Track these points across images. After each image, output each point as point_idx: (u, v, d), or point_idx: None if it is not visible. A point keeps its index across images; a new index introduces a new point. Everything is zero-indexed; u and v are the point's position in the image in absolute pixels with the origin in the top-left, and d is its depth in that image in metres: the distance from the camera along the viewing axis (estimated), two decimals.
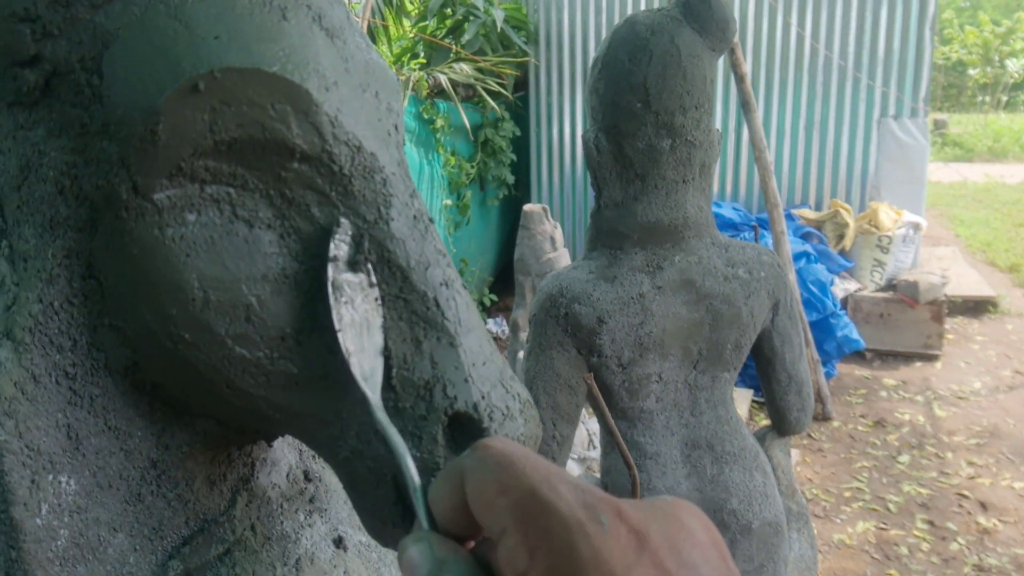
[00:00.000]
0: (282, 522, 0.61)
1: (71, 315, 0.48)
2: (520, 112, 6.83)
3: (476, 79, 5.91)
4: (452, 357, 0.48)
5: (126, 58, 0.44)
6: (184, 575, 0.53)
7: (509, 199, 6.91)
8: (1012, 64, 18.22)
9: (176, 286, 0.46)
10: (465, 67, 5.87)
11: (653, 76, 1.47)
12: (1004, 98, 19.71)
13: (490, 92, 6.00)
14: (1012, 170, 14.26)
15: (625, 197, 1.55)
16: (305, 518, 0.63)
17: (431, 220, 0.51)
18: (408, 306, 0.48)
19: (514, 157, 6.70)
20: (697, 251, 1.58)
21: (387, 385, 0.48)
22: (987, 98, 19.54)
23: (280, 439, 0.64)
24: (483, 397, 0.47)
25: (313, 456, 0.68)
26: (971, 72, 18.99)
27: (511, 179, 6.69)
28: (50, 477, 0.47)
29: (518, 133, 6.69)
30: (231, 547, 0.56)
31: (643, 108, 1.48)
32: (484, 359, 0.49)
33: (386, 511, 0.48)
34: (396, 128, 0.53)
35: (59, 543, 0.47)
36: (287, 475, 0.64)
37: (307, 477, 0.65)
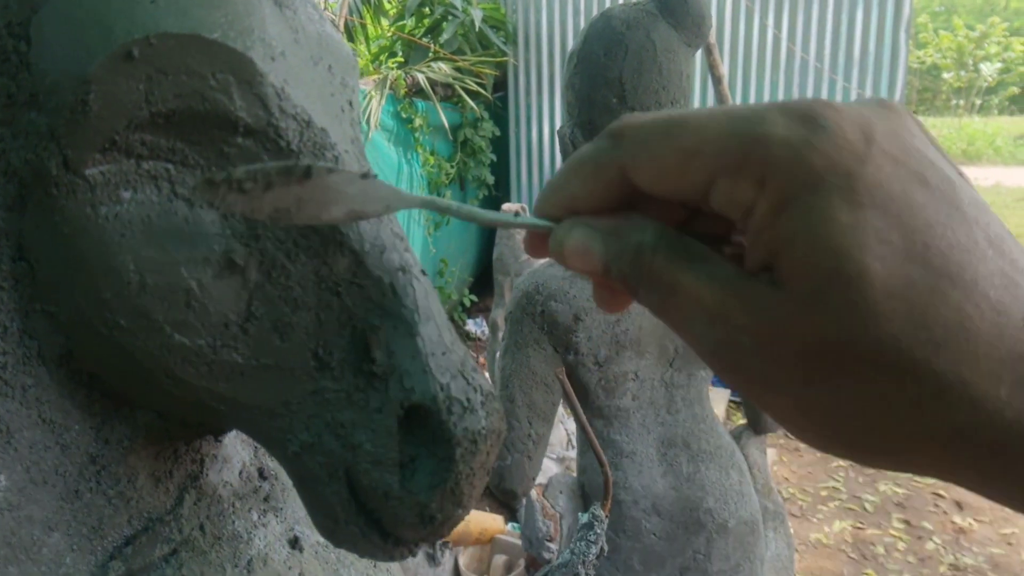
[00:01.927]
0: (233, 521, 0.58)
1: (0, 300, 0.45)
2: (500, 112, 6.81)
3: (455, 79, 5.87)
4: (409, 346, 0.45)
5: (55, 23, 0.41)
6: None
7: (489, 199, 6.88)
8: (986, 68, 18.45)
9: (110, 268, 0.43)
10: (444, 66, 5.84)
11: (629, 71, 1.45)
12: (978, 102, 19.95)
13: (469, 92, 5.96)
14: (986, 173, 14.41)
15: None
16: (259, 517, 0.60)
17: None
18: (363, 292, 0.46)
19: (494, 157, 6.67)
20: None
21: (340, 375, 0.45)
22: (961, 102, 19.77)
23: (233, 434, 0.61)
24: (442, 389, 0.45)
25: (268, 453, 0.65)
26: (945, 76, 19.21)
27: (491, 179, 6.66)
28: None
29: (498, 133, 6.66)
30: (178, 547, 0.53)
31: (619, 103, 1.46)
32: (444, 348, 0.46)
33: (339, 508, 0.45)
34: (351, 104, 0.50)
35: None
36: (240, 472, 0.60)
37: (262, 475, 0.62)
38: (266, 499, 0.61)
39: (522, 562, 2.83)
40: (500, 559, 2.98)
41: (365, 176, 0.33)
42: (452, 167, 6.24)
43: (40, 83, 0.41)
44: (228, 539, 0.57)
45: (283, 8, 0.47)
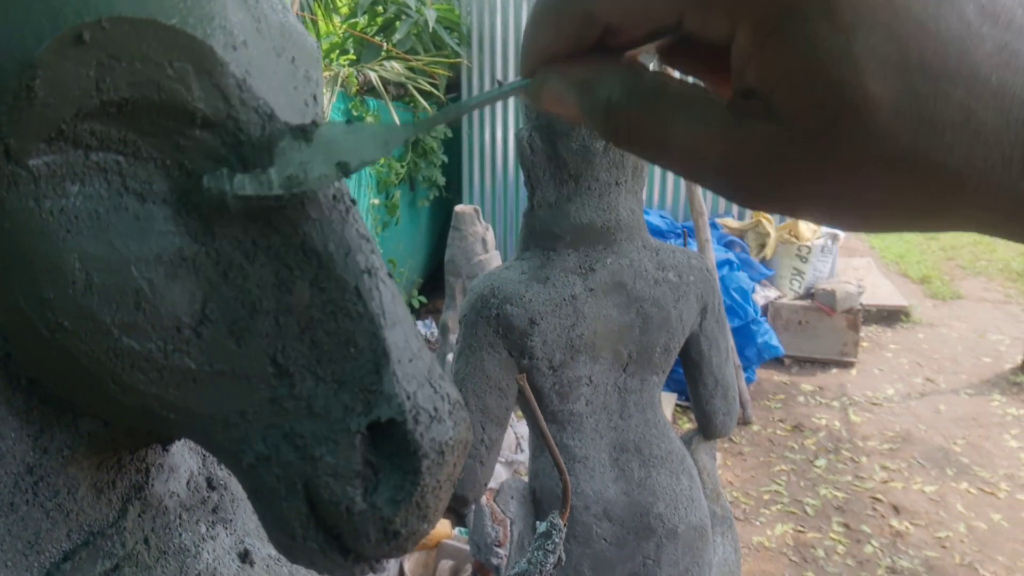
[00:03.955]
0: (180, 534, 0.55)
1: None
2: None
3: (408, 78, 5.82)
4: (375, 353, 0.43)
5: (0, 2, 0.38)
6: None
7: (440, 200, 6.84)
8: None
9: (54, 266, 0.40)
10: (396, 66, 5.78)
11: None
12: None
13: (422, 92, 5.92)
14: None
15: (558, 198, 1.53)
16: (207, 530, 0.57)
17: (354, 201, 0.46)
18: (325, 295, 0.43)
19: (445, 158, 6.64)
20: (629, 254, 1.56)
21: (300, 383, 0.43)
22: None
23: (181, 442, 0.58)
24: (408, 397, 0.43)
25: (218, 462, 0.62)
26: None
27: (442, 180, 6.62)
28: None
29: (450, 135, 6.63)
30: (120, 562, 0.50)
31: None
32: (411, 355, 0.44)
33: (296, 523, 0.43)
34: (315, 98, 0.48)
35: None
36: (187, 483, 0.57)
37: (210, 485, 0.59)
38: (215, 510, 0.58)
39: (469, 567, 2.81)
40: (446, 564, 2.95)
41: (349, 121, 0.32)
42: (403, 167, 6.19)
43: None
44: (174, 553, 0.53)
45: None
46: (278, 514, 0.43)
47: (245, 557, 0.58)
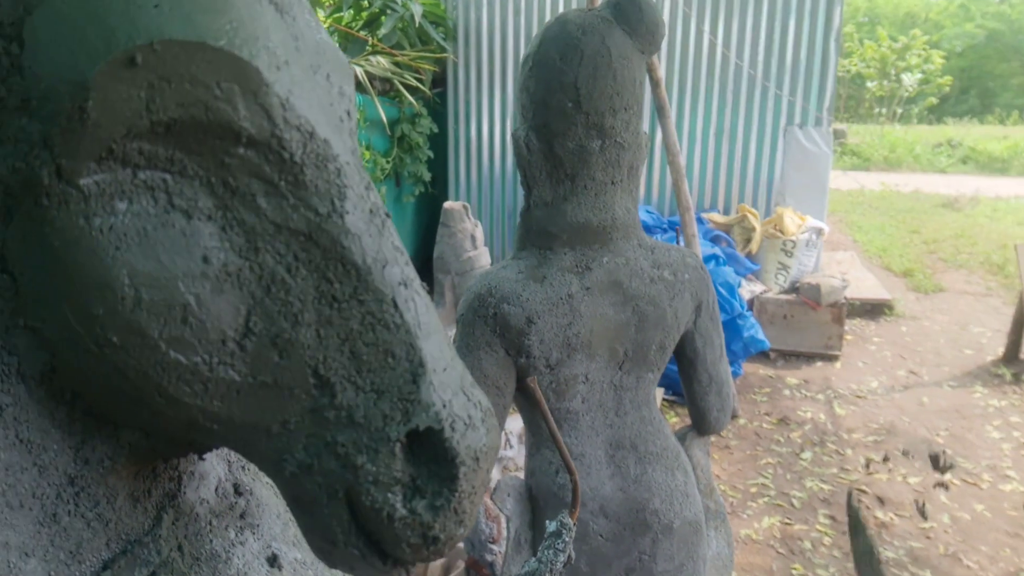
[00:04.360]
0: (211, 540, 0.56)
1: None
2: (438, 109, 6.77)
3: (393, 73, 5.81)
4: (412, 364, 0.44)
5: (52, 25, 0.39)
6: None
7: (425, 196, 6.84)
8: (907, 78, 19.18)
9: (103, 283, 0.40)
10: (382, 60, 5.77)
11: (584, 76, 1.45)
12: (899, 110, 20.72)
13: (408, 87, 5.91)
14: (906, 179, 14.98)
15: (555, 197, 1.54)
16: (236, 535, 0.58)
17: (388, 215, 0.47)
18: (364, 307, 0.44)
19: (431, 154, 6.63)
20: (624, 252, 1.58)
21: (341, 393, 0.44)
22: (883, 110, 20.52)
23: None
24: (445, 406, 0.44)
25: (243, 467, 0.62)
26: (869, 85, 19.91)
27: (428, 176, 6.61)
28: None
29: (436, 130, 6.62)
30: (156, 569, 0.51)
31: (574, 108, 1.46)
32: (445, 364, 0.45)
33: (337, 530, 0.44)
34: (349, 114, 0.49)
35: None
36: (216, 489, 0.58)
37: (237, 491, 0.60)
38: (242, 516, 0.59)
39: (461, 564, 2.82)
40: (437, 562, 2.96)
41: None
42: (388, 162, 6.18)
43: (33, 88, 0.39)
44: (207, 559, 0.54)
45: (284, 14, 0.45)
46: (320, 521, 0.44)
47: (273, 561, 0.59)
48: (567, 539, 0.88)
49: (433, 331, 0.46)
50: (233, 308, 0.43)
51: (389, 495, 0.43)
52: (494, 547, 2.40)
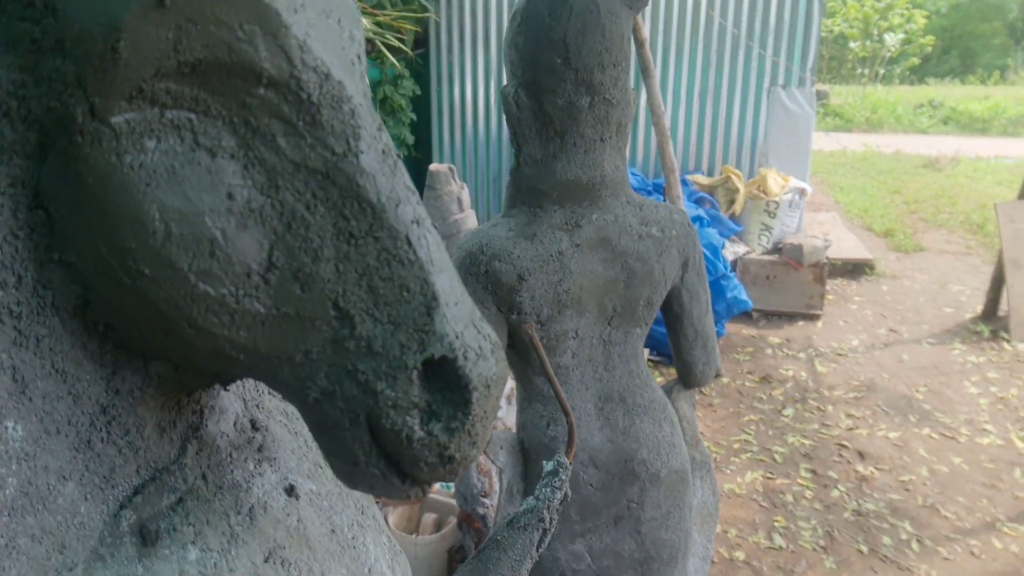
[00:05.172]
0: (232, 471, 0.59)
1: (15, 249, 0.44)
2: (421, 70, 6.71)
3: (375, 34, 5.75)
4: (426, 297, 0.47)
5: None
6: (137, 525, 0.51)
7: (409, 160, 6.81)
8: (889, 39, 19.15)
9: (135, 217, 0.43)
10: (364, 21, 5.70)
11: (573, 32, 1.46)
12: (881, 71, 20.72)
13: (390, 48, 5.85)
14: (887, 140, 15.05)
15: (544, 154, 1.55)
16: (255, 467, 0.61)
17: (399, 156, 0.50)
18: (379, 244, 0.47)
19: (414, 116, 6.59)
20: (613, 209, 1.60)
21: (360, 324, 0.46)
22: (866, 71, 20.51)
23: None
24: (457, 337, 0.47)
25: (258, 405, 0.65)
26: (852, 45, 19.87)
27: (411, 139, 6.58)
28: None
29: (418, 92, 6.57)
30: (183, 496, 0.54)
31: (563, 64, 1.48)
32: (456, 299, 0.48)
33: (359, 452, 0.47)
34: (359, 58, 0.51)
35: (6, 492, 0.44)
36: (235, 424, 0.61)
37: (254, 426, 0.63)
38: (260, 449, 0.62)
39: (453, 520, 2.88)
40: (429, 517, 3.02)
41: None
42: None
43: (67, 29, 0.41)
44: (229, 488, 0.57)
45: None
46: (342, 444, 0.47)
47: (291, 492, 0.62)
48: (564, 477, 0.92)
49: (445, 267, 0.48)
50: (257, 243, 0.46)
51: (408, 418, 0.46)
52: (486, 500, 2.45)
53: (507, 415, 3.47)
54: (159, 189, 0.43)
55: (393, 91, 6.34)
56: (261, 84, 0.45)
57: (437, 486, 3.21)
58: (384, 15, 5.94)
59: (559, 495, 0.90)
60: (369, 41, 5.83)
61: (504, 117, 1.58)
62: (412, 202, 0.48)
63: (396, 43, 5.88)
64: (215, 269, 0.45)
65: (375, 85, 6.17)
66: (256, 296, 0.46)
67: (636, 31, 4.40)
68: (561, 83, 1.48)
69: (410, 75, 6.44)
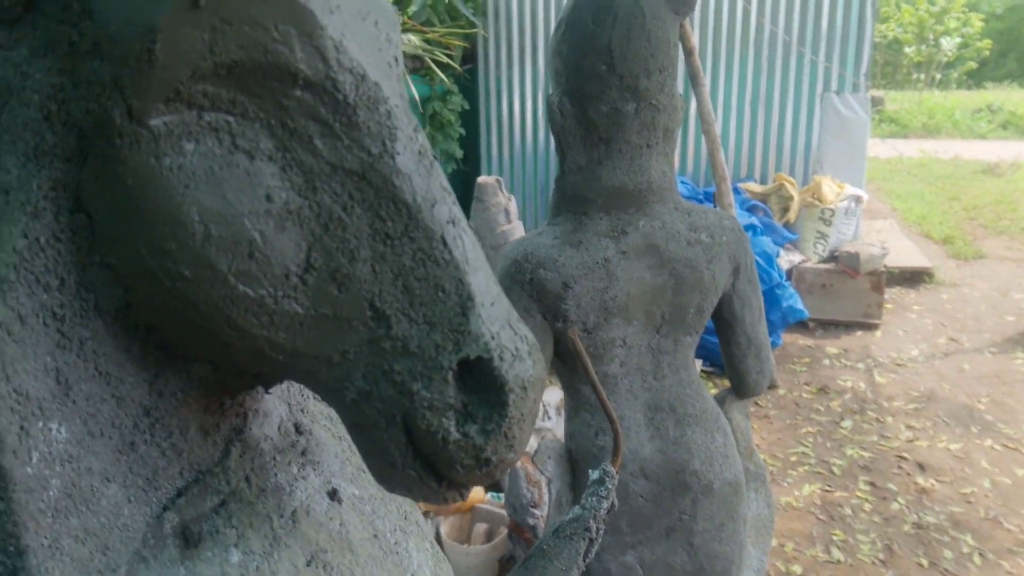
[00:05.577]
0: (275, 474, 0.59)
1: (58, 252, 0.45)
2: (469, 85, 6.75)
3: (424, 51, 5.82)
4: (462, 297, 0.46)
5: None
6: (180, 527, 0.51)
7: (458, 173, 6.85)
8: (945, 43, 18.69)
9: (175, 219, 0.43)
10: (412, 38, 5.77)
11: (618, 38, 1.46)
12: (937, 76, 20.21)
13: (438, 64, 5.91)
14: (945, 146, 14.65)
15: (589, 161, 1.54)
16: (298, 471, 0.61)
17: (435, 157, 0.49)
18: (415, 244, 0.47)
19: (463, 131, 6.63)
20: (661, 216, 1.58)
21: (396, 325, 0.46)
22: (921, 76, 20.02)
23: (271, 390, 0.62)
24: (493, 337, 0.46)
25: (302, 410, 0.66)
26: (907, 50, 19.42)
27: (460, 153, 6.62)
28: (40, 424, 0.44)
29: (467, 107, 6.61)
30: (226, 499, 0.54)
31: (607, 71, 1.47)
32: (492, 299, 0.48)
33: (395, 453, 0.47)
34: (396, 60, 0.51)
35: (51, 493, 0.44)
36: (279, 427, 0.61)
37: (298, 430, 0.63)
38: (303, 453, 0.62)
39: (503, 530, 2.87)
40: (481, 527, 3.02)
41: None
42: None
43: (103, 32, 0.41)
44: (272, 491, 0.58)
45: None
46: (379, 445, 0.47)
47: (334, 496, 0.62)
48: (610, 486, 0.90)
49: (480, 267, 0.48)
50: (295, 244, 0.46)
51: (443, 419, 0.45)
52: (536, 511, 2.44)
53: (556, 426, 3.46)
54: (198, 191, 0.44)
55: (442, 106, 6.39)
56: (297, 86, 0.45)
57: (487, 496, 3.21)
58: (432, 32, 6.00)
59: (605, 504, 0.89)
60: (418, 58, 5.90)
61: (550, 127, 1.58)
62: (448, 202, 0.48)
63: (445, 59, 5.93)
64: (254, 270, 0.45)
65: (424, 101, 6.23)
66: (295, 297, 0.46)
67: (685, 40, 4.36)
68: (606, 89, 1.47)
69: (459, 90, 6.49)
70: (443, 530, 3.03)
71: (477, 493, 3.16)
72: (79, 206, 0.45)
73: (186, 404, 0.52)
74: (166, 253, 0.44)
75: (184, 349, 0.50)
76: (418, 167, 0.47)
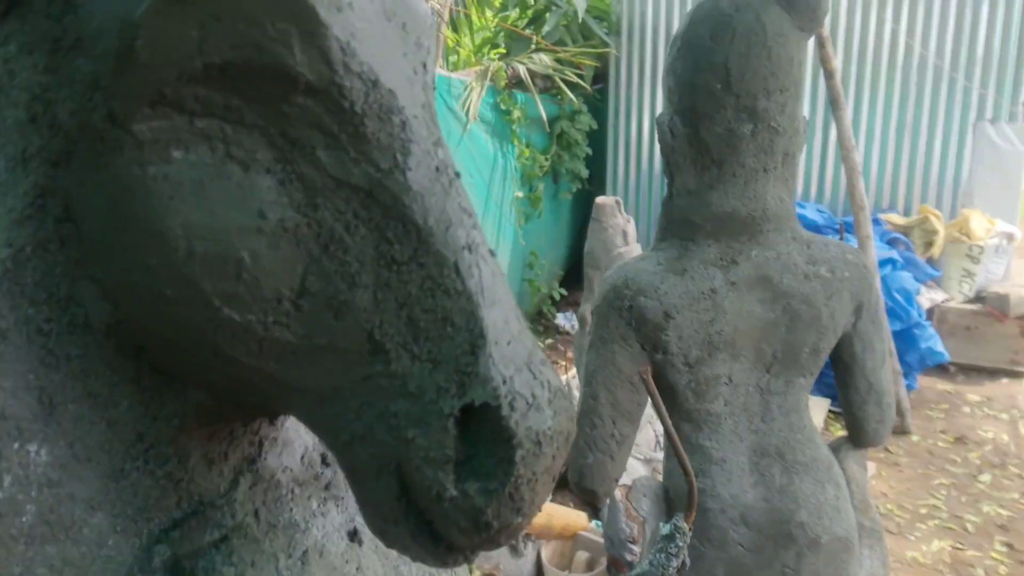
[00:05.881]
0: (291, 509, 0.55)
1: (45, 263, 0.42)
2: (598, 105, 6.71)
3: (555, 70, 5.82)
4: (471, 333, 0.41)
5: None
6: (171, 561, 0.48)
7: (582, 193, 6.80)
8: None
9: (157, 232, 0.40)
10: (544, 58, 5.79)
11: (735, 55, 1.37)
12: None
13: (568, 84, 5.90)
14: None
15: (699, 185, 1.46)
16: (319, 506, 0.56)
17: (458, 174, 0.44)
18: (423, 271, 0.41)
19: (589, 151, 6.59)
20: (776, 246, 1.48)
21: (395, 360, 0.41)
22: None
23: (294, 418, 0.58)
24: (504, 382, 0.40)
25: None
26: None
27: (585, 173, 6.58)
28: (16, 445, 0.41)
29: (595, 126, 6.57)
30: (229, 533, 0.50)
31: (723, 89, 1.38)
32: (509, 338, 0.41)
33: (387, 506, 0.41)
34: (425, 67, 0.46)
35: (24, 519, 0.42)
36: (301, 457, 0.57)
37: (324, 461, 0.59)
38: (327, 487, 0.58)
39: (604, 560, 2.78)
40: (583, 556, 2.94)
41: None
42: (546, 160, 6.19)
43: (86, 26, 0.38)
44: (284, 527, 0.53)
45: None
46: (371, 495, 0.42)
47: (354, 536, 0.57)
48: (680, 543, 0.82)
49: (498, 300, 0.42)
50: (289, 266, 0.41)
51: (440, 473, 0.39)
52: (634, 547, 2.33)
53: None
54: (184, 203, 0.40)
55: (570, 126, 6.38)
56: (299, 91, 0.40)
57: (592, 524, 3.12)
58: (565, 51, 6.00)
59: (675, 563, 0.80)
60: (549, 77, 5.91)
61: None
62: (466, 225, 0.42)
63: (575, 79, 5.92)
64: (242, 292, 0.41)
65: (553, 120, 6.23)
66: (287, 324, 0.41)
67: (826, 61, 4.16)
68: (720, 109, 1.39)
69: (587, 110, 6.46)
70: (544, 554, 2.97)
71: (580, 520, 3.09)
72: (67, 215, 0.42)
73: (185, 431, 0.48)
74: (148, 269, 0.40)
75: (177, 373, 0.46)
76: (433, 185, 0.42)
